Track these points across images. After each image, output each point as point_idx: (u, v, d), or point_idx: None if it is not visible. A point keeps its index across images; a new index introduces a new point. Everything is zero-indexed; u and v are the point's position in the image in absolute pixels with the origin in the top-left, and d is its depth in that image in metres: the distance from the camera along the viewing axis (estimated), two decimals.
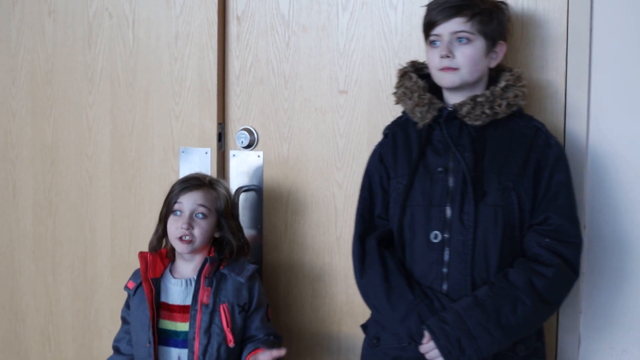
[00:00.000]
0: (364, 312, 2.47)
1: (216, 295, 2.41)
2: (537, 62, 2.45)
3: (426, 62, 2.34)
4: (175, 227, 2.41)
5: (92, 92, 2.95)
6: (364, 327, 2.42)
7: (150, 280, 2.42)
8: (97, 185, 2.99)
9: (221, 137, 2.81)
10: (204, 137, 2.80)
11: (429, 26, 2.24)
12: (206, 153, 2.79)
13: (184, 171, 2.79)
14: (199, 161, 2.80)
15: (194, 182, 2.46)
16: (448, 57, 2.21)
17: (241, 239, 2.52)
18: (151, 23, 2.85)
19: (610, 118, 2.41)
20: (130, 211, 2.94)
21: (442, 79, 2.24)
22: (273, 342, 2.48)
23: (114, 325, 2.94)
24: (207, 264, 2.41)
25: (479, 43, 2.21)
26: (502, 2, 2.30)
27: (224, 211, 2.47)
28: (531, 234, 2.21)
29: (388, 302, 2.21)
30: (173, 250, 2.49)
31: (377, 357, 2.32)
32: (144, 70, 2.87)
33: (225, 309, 2.41)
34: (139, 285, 2.45)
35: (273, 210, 2.77)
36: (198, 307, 2.39)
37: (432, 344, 2.12)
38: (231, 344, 2.39)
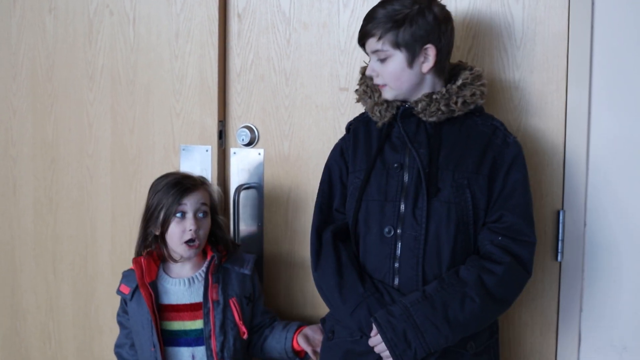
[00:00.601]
0: None
1: (224, 290, 2.42)
2: (538, 59, 2.45)
3: None
4: (181, 231, 2.39)
5: (92, 89, 2.95)
6: (323, 320, 2.43)
7: (148, 285, 2.41)
8: (98, 182, 2.98)
9: (222, 134, 2.80)
10: (205, 134, 2.80)
11: (360, 43, 2.28)
12: (207, 151, 2.79)
13: (185, 169, 2.80)
14: (199, 159, 2.80)
15: (191, 182, 2.44)
16: (374, 75, 2.25)
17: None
18: (152, 20, 2.85)
19: (611, 116, 2.41)
20: (131, 208, 2.94)
21: (383, 93, 2.28)
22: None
23: (115, 323, 2.93)
24: (214, 262, 2.42)
25: (398, 57, 2.20)
26: (423, 3, 2.21)
27: (216, 208, 2.49)
28: (485, 232, 2.21)
29: (339, 294, 2.23)
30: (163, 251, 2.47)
31: (332, 351, 2.33)
32: (144, 68, 2.87)
33: (235, 302, 2.43)
34: (135, 290, 2.44)
35: (274, 208, 2.77)
36: (210, 305, 2.39)
37: (379, 336, 2.13)
38: (245, 336, 2.42)
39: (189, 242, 2.39)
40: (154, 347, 2.38)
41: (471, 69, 2.27)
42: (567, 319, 2.48)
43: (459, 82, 2.22)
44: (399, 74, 2.21)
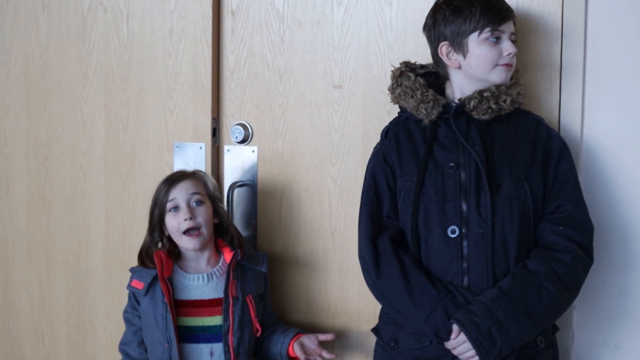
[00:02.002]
0: (357, 308, 2.47)
1: (242, 287, 2.43)
2: (532, 57, 2.45)
3: (417, 63, 2.39)
4: (177, 223, 2.39)
5: (86, 86, 2.94)
6: (375, 330, 2.41)
7: (167, 280, 2.39)
8: (91, 180, 2.98)
9: (215, 132, 2.80)
10: (199, 132, 2.80)
11: (494, 21, 2.24)
12: (200, 148, 2.78)
13: (178, 166, 2.79)
14: (193, 156, 2.80)
15: (178, 175, 2.46)
16: (514, 54, 2.26)
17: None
18: (145, 17, 2.84)
19: (605, 113, 2.41)
20: (125, 207, 2.93)
21: (499, 74, 2.27)
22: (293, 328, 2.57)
23: (108, 322, 2.94)
24: (235, 259, 2.42)
25: None
26: None
27: (215, 196, 2.48)
28: (544, 223, 2.25)
29: (410, 299, 2.21)
30: (175, 250, 2.47)
31: None
32: (138, 65, 2.86)
33: (251, 299, 2.43)
34: (149, 285, 2.41)
35: (267, 206, 2.77)
36: (230, 300, 2.39)
37: (461, 338, 2.14)
38: (258, 334, 2.44)
39: (188, 232, 2.38)
40: (168, 343, 2.37)
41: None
42: (560, 317, 2.47)
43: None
44: None
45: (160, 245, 2.47)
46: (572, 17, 2.41)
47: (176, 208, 2.40)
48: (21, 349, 3.17)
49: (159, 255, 2.42)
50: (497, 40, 2.24)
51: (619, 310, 2.45)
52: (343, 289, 2.68)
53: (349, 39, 2.63)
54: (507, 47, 2.24)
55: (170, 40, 2.81)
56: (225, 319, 2.39)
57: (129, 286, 2.48)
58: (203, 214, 2.41)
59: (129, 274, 2.50)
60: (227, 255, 2.45)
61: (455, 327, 2.15)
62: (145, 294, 2.42)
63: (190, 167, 2.72)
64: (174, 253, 2.47)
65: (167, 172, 2.77)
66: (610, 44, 2.39)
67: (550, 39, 2.43)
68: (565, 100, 2.43)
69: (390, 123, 2.42)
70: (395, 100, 2.36)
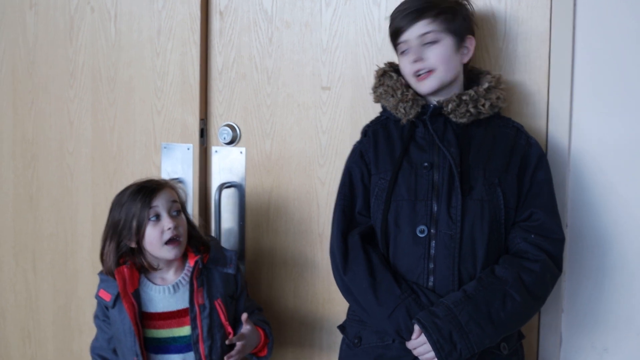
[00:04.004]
0: (345, 309, 2.46)
1: (209, 292, 2.37)
2: (520, 60, 2.45)
3: None
4: (159, 232, 2.31)
5: (73, 86, 2.93)
6: (342, 328, 2.41)
7: (131, 295, 2.33)
8: (79, 180, 2.97)
9: (203, 133, 2.79)
10: (186, 132, 2.79)
11: (395, 35, 2.26)
12: (188, 149, 2.78)
13: (166, 167, 2.79)
14: (180, 157, 2.79)
15: (155, 184, 2.37)
16: (419, 60, 2.23)
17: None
18: (133, 17, 2.83)
19: (592, 119, 2.41)
20: None
21: (421, 85, 2.26)
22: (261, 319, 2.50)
23: None
24: (197, 267, 2.36)
25: (448, 41, 2.24)
26: None
27: (185, 207, 2.44)
28: (516, 230, 2.24)
29: (374, 297, 2.20)
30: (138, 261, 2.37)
31: (359, 358, 2.31)
32: (125, 65, 2.85)
33: (220, 303, 2.37)
34: (117, 297, 2.35)
35: (255, 207, 2.76)
36: (197, 310, 2.34)
37: (422, 338, 2.13)
38: (230, 336, 2.35)
39: (170, 242, 2.33)
40: (137, 356, 2.33)
41: (489, 72, 2.33)
42: (548, 320, 2.48)
43: (485, 85, 2.27)
44: (449, 57, 2.24)
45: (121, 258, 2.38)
46: (560, 19, 2.40)
47: (157, 217, 2.33)
48: (8, 349, 3.16)
49: (120, 272, 2.34)
50: (405, 51, 2.26)
51: (606, 314, 2.45)
52: (331, 290, 2.67)
53: (338, 40, 2.62)
54: (409, 55, 2.25)
55: (158, 40, 2.80)
56: (194, 328, 2.34)
57: (97, 295, 2.42)
58: (183, 224, 2.36)
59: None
60: (192, 262, 2.39)
61: (416, 328, 2.14)
62: (113, 306, 2.37)
63: (177, 168, 2.72)
64: (139, 266, 2.38)
65: (155, 173, 2.78)
66: (599, 45, 2.39)
67: (539, 41, 2.42)
68: (554, 102, 2.42)
69: (371, 122, 2.42)
70: (377, 99, 2.36)
